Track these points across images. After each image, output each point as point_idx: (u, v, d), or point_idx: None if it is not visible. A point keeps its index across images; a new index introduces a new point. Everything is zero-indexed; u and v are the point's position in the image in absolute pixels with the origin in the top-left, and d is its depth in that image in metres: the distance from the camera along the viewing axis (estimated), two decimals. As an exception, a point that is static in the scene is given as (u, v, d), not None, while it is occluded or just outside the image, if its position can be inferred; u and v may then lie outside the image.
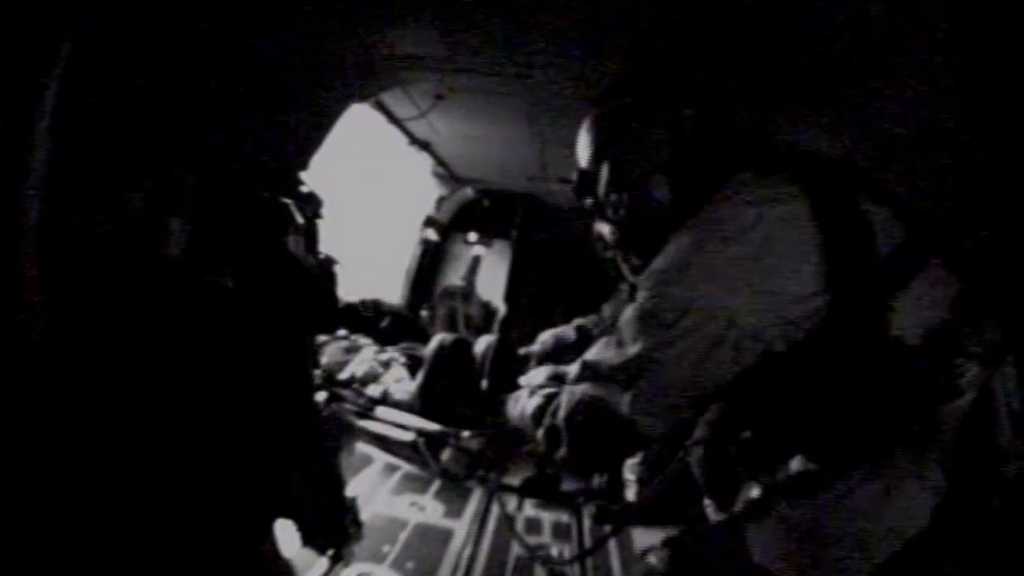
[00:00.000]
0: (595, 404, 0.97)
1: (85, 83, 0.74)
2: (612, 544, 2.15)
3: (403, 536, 2.00)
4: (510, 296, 3.83)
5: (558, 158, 2.54)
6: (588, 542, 2.17)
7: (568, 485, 2.45)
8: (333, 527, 1.46)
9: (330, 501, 1.46)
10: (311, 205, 1.42)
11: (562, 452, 1.09)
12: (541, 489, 2.44)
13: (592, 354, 1.01)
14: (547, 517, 2.31)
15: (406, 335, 2.45)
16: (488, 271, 3.81)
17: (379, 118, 2.13)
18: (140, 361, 0.93)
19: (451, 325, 3.58)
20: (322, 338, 2.24)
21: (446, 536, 2.06)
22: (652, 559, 1.02)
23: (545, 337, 2.42)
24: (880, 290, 0.88)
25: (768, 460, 0.94)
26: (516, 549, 2.01)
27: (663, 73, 1.15)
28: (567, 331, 2.41)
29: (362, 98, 1.73)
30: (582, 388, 1.00)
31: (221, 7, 1.07)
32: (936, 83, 1.12)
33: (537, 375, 1.56)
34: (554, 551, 2.07)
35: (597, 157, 1.14)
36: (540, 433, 1.12)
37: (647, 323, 0.92)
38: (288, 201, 1.30)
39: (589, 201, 1.23)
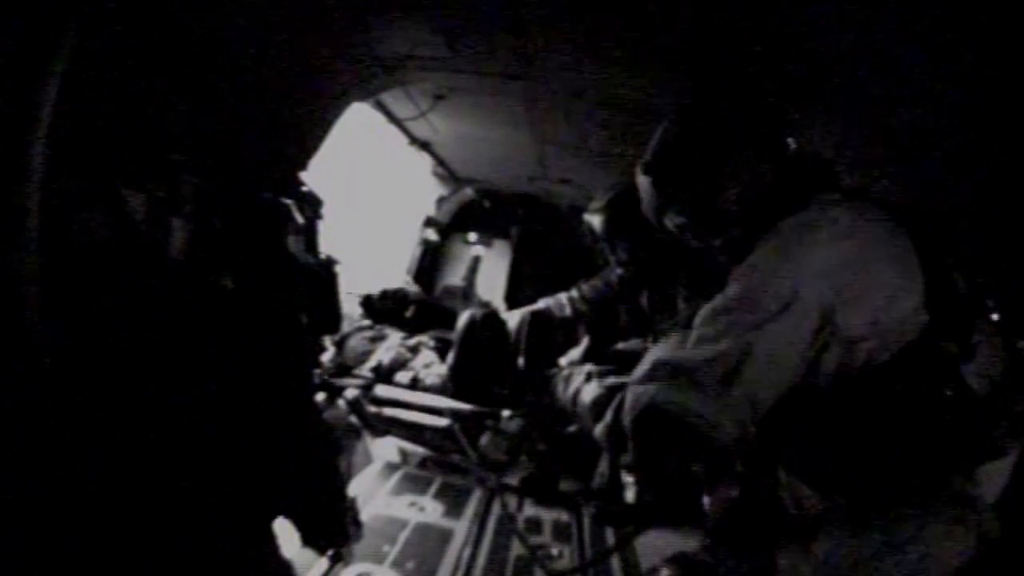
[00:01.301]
0: (668, 408, 0.90)
1: (85, 83, 0.74)
2: (612, 544, 2.15)
3: (403, 536, 2.00)
4: (510, 296, 3.83)
5: (558, 158, 2.54)
6: (588, 542, 2.17)
7: (567, 485, 2.44)
8: (333, 527, 1.45)
9: (330, 501, 1.46)
10: (311, 205, 1.42)
11: (627, 457, 1.05)
12: (541, 489, 2.42)
13: (665, 352, 0.95)
14: (547, 517, 2.31)
15: (435, 323, 2.28)
16: (488, 271, 3.81)
17: (379, 118, 2.13)
18: (140, 361, 0.93)
19: (451, 325, 3.58)
20: (346, 327, 2.09)
21: (446, 536, 2.06)
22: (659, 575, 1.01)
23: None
24: (962, 330, 0.88)
25: (816, 490, 0.93)
26: (516, 549, 2.01)
27: (759, 90, 1.15)
28: (523, 318, 2.40)
29: (362, 98, 1.73)
30: (652, 389, 0.93)
31: (221, 7, 1.07)
32: (936, 83, 1.12)
33: (576, 354, 1.52)
34: (554, 551, 2.07)
35: (686, 155, 1.10)
36: (600, 430, 1.06)
37: (742, 314, 0.88)
38: (288, 201, 1.30)
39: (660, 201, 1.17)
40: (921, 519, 0.86)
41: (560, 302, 2.37)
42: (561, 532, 2.22)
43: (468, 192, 3.57)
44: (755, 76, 1.27)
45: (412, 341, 2.10)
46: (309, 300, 1.35)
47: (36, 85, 0.62)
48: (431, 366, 1.99)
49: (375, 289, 2.32)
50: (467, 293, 3.72)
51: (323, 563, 1.56)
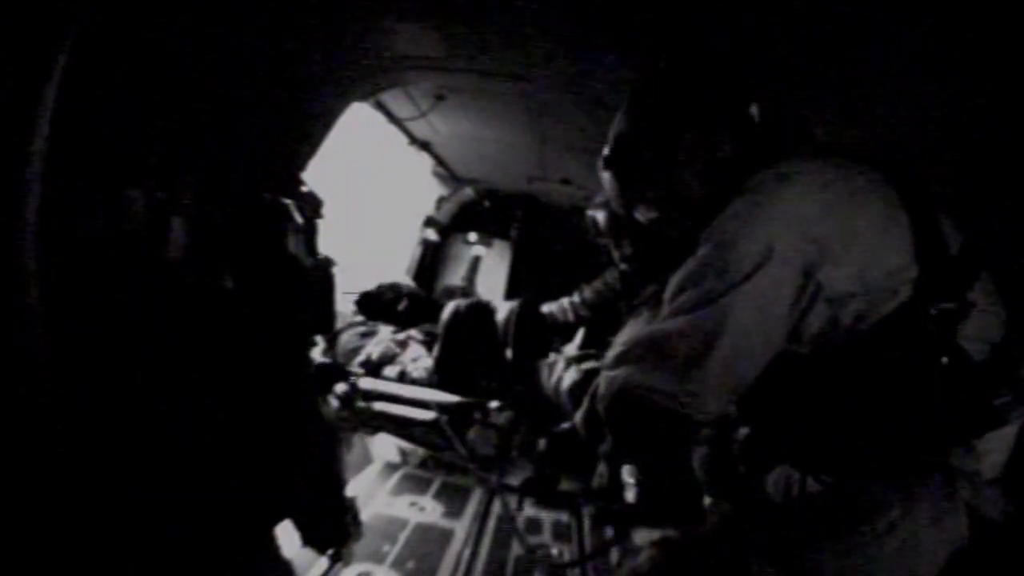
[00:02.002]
0: (637, 391, 0.85)
1: (85, 83, 0.74)
2: (609, 538, 2.15)
3: (403, 536, 2.00)
4: (510, 296, 3.83)
5: (558, 158, 2.54)
6: (588, 542, 2.18)
7: (568, 485, 2.44)
8: (333, 527, 1.45)
9: (330, 501, 1.46)
10: (311, 205, 1.42)
11: (604, 445, 1.01)
12: (541, 490, 2.40)
13: (634, 331, 0.90)
14: (547, 517, 2.31)
15: (427, 317, 2.24)
16: (488, 271, 3.81)
17: (379, 118, 2.13)
18: (140, 361, 0.93)
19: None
20: (338, 324, 2.04)
21: (446, 536, 2.06)
22: (640, 558, 0.96)
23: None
24: (953, 286, 0.80)
25: (800, 468, 0.88)
26: (516, 549, 2.01)
27: (710, 62, 1.06)
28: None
29: (362, 98, 1.73)
30: (622, 373, 0.88)
31: (221, 7, 1.07)
32: (939, 79, 1.12)
33: (571, 348, 1.49)
34: (554, 551, 2.07)
35: (639, 142, 1.03)
36: (579, 417, 1.02)
37: (714, 280, 0.80)
38: (288, 201, 1.30)
39: (617, 184, 1.10)
40: (907, 502, 0.79)
41: (563, 307, 2.35)
42: (561, 532, 2.22)
43: (468, 192, 3.57)
44: (706, 48, 1.19)
45: (401, 335, 2.09)
46: (307, 300, 1.35)
47: (36, 85, 0.62)
48: (419, 360, 1.97)
49: (373, 288, 2.33)
50: (467, 293, 3.72)
51: (323, 563, 1.56)
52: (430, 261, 3.62)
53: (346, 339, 2.06)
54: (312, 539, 1.39)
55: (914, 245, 0.80)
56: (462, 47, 1.48)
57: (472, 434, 1.76)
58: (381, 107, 2.05)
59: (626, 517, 2.02)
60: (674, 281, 0.87)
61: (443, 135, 2.45)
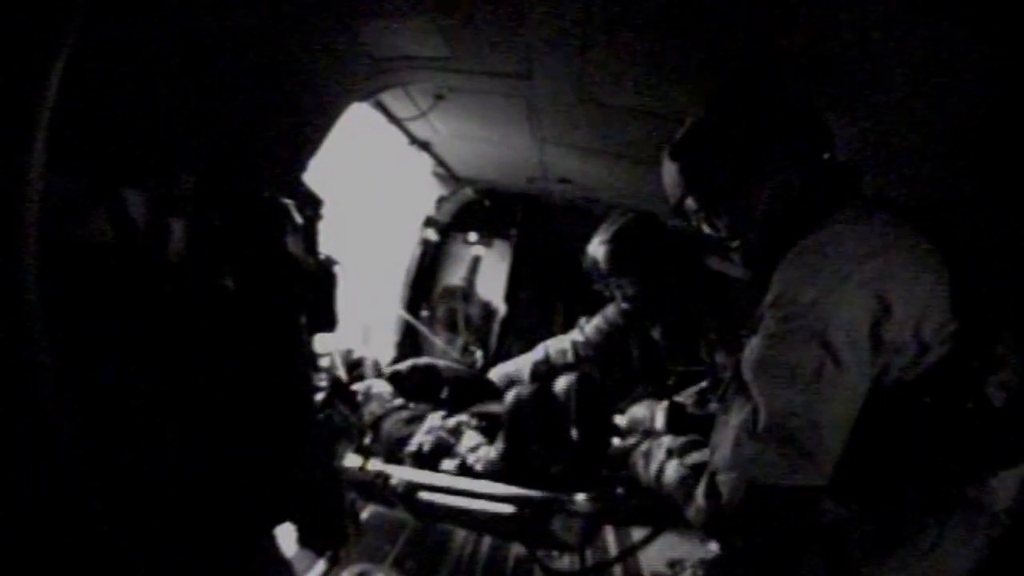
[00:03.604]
0: (761, 485, 0.87)
1: (85, 83, 0.74)
2: (611, 544, 2.15)
3: (403, 536, 2.00)
4: (510, 296, 3.83)
5: (558, 158, 2.54)
6: (589, 550, 2.17)
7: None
8: (333, 527, 1.45)
9: (330, 501, 1.46)
10: (311, 205, 1.42)
11: (738, 540, 1.02)
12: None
13: (739, 423, 0.91)
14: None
15: (474, 398, 2.09)
16: (488, 271, 3.80)
17: (379, 118, 2.13)
18: (140, 361, 0.93)
19: (451, 325, 3.57)
20: (378, 411, 1.95)
21: (446, 536, 2.06)
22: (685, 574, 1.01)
23: (497, 378, 2.29)
24: (986, 340, 0.89)
25: (835, 497, 0.93)
26: (516, 549, 2.01)
27: (773, 94, 1.11)
28: (520, 369, 2.30)
29: (362, 98, 1.73)
30: (748, 468, 0.88)
31: (221, 7, 1.07)
32: (937, 83, 1.12)
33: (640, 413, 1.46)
34: (554, 552, 2.06)
35: (717, 143, 1.08)
36: (694, 514, 1.00)
37: (807, 361, 0.85)
38: (288, 201, 1.30)
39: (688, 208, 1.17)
40: (939, 527, 0.88)
41: (562, 348, 2.29)
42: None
43: (468, 192, 3.57)
44: (785, 79, 1.24)
45: (452, 422, 1.92)
46: (308, 300, 1.35)
47: (36, 85, 0.62)
48: (477, 449, 1.82)
49: (403, 365, 2.16)
50: (467, 293, 3.72)
51: (322, 563, 1.56)
52: (430, 261, 3.62)
53: (390, 427, 1.91)
54: (311, 540, 1.39)
55: (953, 300, 0.88)
56: (462, 47, 1.48)
57: (556, 524, 1.66)
58: (381, 107, 2.05)
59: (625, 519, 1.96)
60: (751, 363, 0.91)
61: (443, 135, 2.44)
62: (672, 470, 1.12)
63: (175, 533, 0.96)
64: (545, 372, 2.25)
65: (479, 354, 3.23)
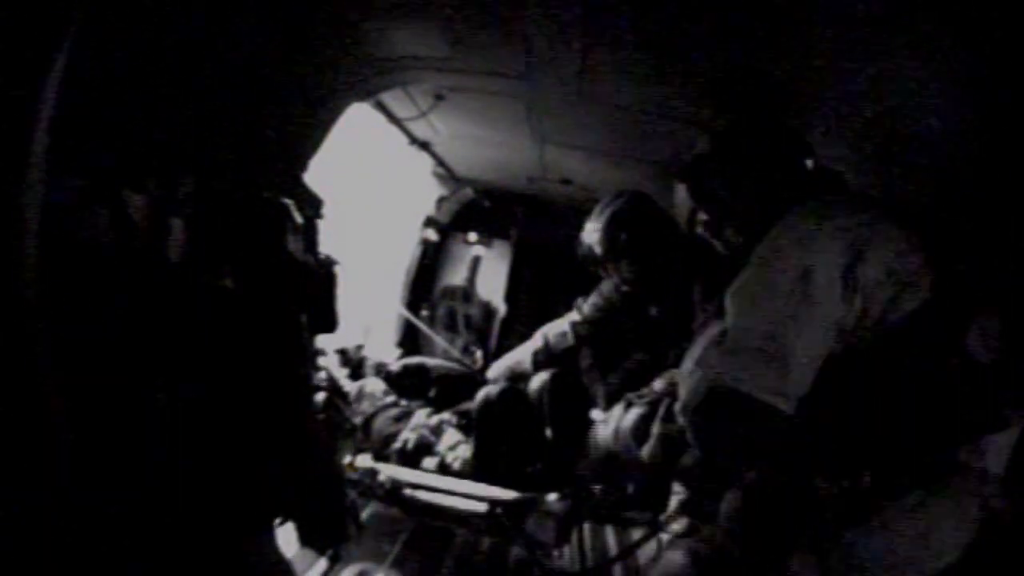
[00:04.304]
0: (725, 388, 0.90)
1: (85, 84, 0.74)
2: (611, 543, 2.15)
3: (403, 536, 2.00)
4: (510, 296, 3.83)
5: (558, 158, 2.54)
6: (588, 543, 2.17)
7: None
8: (333, 527, 1.45)
9: (330, 501, 1.46)
10: (311, 205, 1.42)
11: (688, 457, 1.04)
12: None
13: (711, 335, 0.96)
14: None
15: (461, 395, 2.11)
16: (488, 271, 3.80)
17: (379, 118, 2.13)
18: (139, 361, 0.93)
19: (451, 325, 3.57)
20: (369, 409, 1.98)
21: (446, 536, 2.06)
22: (672, 555, 1.02)
23: (497, 372, 2.31)
24: (965, 300, 0.91)
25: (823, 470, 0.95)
26: (516, 549, 2.01)
27: (782, 129, 1.24)
28: (521, 361, 2.31)
29: (362, 98, 1.73)
30: (712, 371, 0.92)
31: (221, 7, 1.07)
32: (933, 85, 1.12)
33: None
34: (554, 551, 2.06)
35: (718, 170, 1.23)
36: (649, 448, 1.04)
37: (770, 290, 0.92)
38: (288, 201, 1.30)
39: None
40: (928, 486, 0.87)
41: (561, 331, 2.28)
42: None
43: (468, 192, 3.57)
44: (776, 108, 1.41)
45: (434, 420, 1.96)
46: (308, 300, 1.35)
47: (36, 85, 0.62)
48: (457, 447, 1.86)
49: (395, 365, 2.19)
50: (467, 293, 3.72)
51: (323, 563, 1.56)
52: (430, 261, 3.62)
53: (380, 424, 1.97)
54: (312, 539, 1.39)
55: (927, 254, 0.92)
56: (462, 47, 1.48)
57: (530, 523, 1.71)
58: (381, 107, 2.05)
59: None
60: (732, 292, 0.97)
61: (443, 135, 2.44)
62: (631, 414, 1.20)
63: (175, 532, 0.96)
64: (546, 360, 2.26)
65: (479, 354, 3.23)
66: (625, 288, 2.03)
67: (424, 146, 2.59)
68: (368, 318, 2.88)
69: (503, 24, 1.33)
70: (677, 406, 1.00)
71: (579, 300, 2.32)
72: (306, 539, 1.37)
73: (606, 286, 2.22)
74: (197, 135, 1.13)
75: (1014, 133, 1.09)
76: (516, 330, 3.75)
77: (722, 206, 1.23)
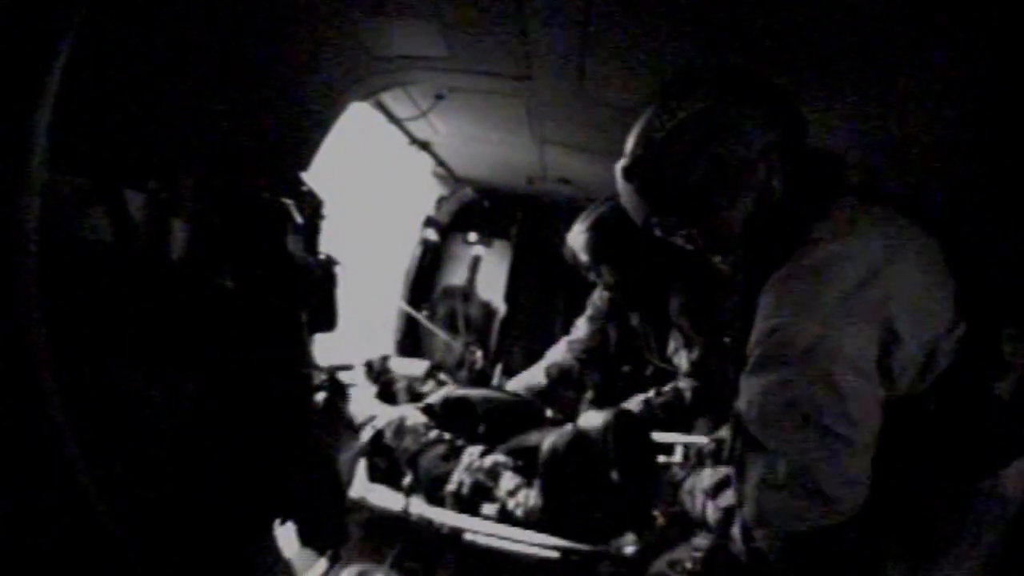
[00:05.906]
0: (794, 534, 0.88)
1: (85, 84, 0.74)
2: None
3: (403, 536, 2.00)
4: (510, 296, 3.83)
5: (558, 158, 2.54)
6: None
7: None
8: (333, 527, 1.45)
9: (330, 501, 1.46)
10: (311, 205, 1.42)
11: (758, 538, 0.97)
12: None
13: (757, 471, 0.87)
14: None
15: (510, 429, 2.01)
16: (488, 271, 3.80)
17: (379, 118, 2.13)
18: (140, 361, 0.93)
19: (451, 325, 3.57)
20: (413, 446, 1.89)
21: (446, 536, 2.06)
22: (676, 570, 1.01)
23: (516, 388, 2.30)
24: (992, 335, 0.88)
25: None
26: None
27: (746, 77, 0.97)
28: (536, 377, 2.31)
29: (362, 98, 1.73)
30: (765, 527, 0.90)
31: (221, 6, 1.07)
32: (940, 84, 1.12)
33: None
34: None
35: (673, 160, 0.93)
36: (743, 555, 0.98)
37: (811, 388, 0.80)
38: (288, 201, 1.30)
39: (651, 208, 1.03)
40: (954, 526, 0.87)
41: (562, 361, 2.30)
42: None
43: (468, 192, 3.57)
44: (753, 55, 1.08)
45: (488, 462, 1.84)
46: (308, 300, 1.35)
47: (36, 84, 0.62)
48: (516, 492, 1.75)
49: (435, 398, 2.10)
50: (467, 293, 3.71)
51: (323, 563, 1.56)
52: (430, 261, 3.62)
53: (427, 464, 1.86)
54: (312, 539, 1.39)
55: (958, 302, 0.87)
56: (462, 47, 1.48)
57: (603, 569, 1.63)
58: (381, 107, 2.05)
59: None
60: (762, 410, 0.85)
61: (443, 135, 2.44)
62: (712, 512, 1.09)
63: (175, 532, 0.96)
64: (558, 374, 2.29)
65: (479, 354, 3.22)
66: (607, 293, 2.06)
67: (424, 146, 2.59)
68: (368, 318, 2.88)
69: (503, 24, 1.33)
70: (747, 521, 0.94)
71: (575, 321, 2.34)
72: (306, 539, 1.37)
73: (596, 295, 2.26)
74: (197, 135, 1.13)
75: (1014, 133, 1.09)
76: (516, 330, 3.75)
77: (696, 222, 1.01)
